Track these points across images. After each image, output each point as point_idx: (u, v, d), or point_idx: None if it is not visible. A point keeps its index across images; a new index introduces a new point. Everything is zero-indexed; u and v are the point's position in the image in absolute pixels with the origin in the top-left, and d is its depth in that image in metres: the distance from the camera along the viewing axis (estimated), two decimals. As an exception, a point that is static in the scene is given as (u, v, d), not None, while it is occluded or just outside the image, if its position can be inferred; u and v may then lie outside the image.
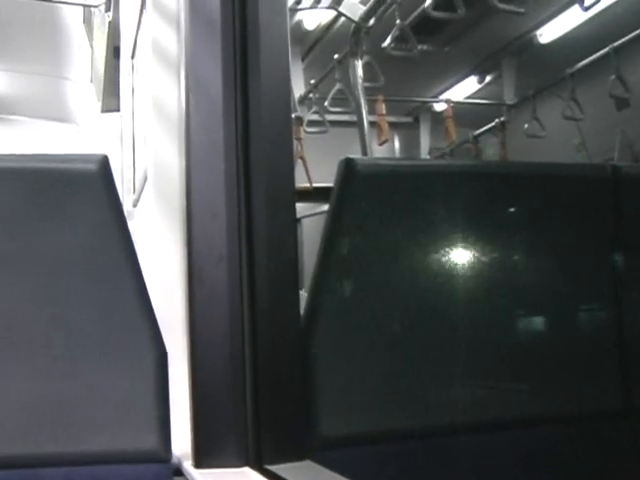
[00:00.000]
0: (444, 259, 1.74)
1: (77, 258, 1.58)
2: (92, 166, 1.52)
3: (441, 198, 1.73)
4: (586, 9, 4.68)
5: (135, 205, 2.77)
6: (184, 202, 1.70)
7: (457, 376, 1.74)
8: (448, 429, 1.72)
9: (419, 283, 1.75)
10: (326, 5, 4.91)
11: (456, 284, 1.76)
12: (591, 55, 6.78)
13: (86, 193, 1.54)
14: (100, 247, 1.57)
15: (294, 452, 1.62)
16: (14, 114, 9.13)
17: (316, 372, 1.67)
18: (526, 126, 7.35)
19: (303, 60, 6.95)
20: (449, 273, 1.75)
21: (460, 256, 1.76)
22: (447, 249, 1.74)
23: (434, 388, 1.73)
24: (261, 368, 1.63)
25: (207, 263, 1.62)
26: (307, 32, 6.62)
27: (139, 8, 2.67)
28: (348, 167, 1.63)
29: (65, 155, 1.57)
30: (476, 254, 1.76)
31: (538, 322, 1.84)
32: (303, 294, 1.74)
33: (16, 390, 1.57)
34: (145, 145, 2.52)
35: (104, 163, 1.52)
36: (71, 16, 5.59)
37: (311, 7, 4.88)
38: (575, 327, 1.86)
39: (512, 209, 1.80)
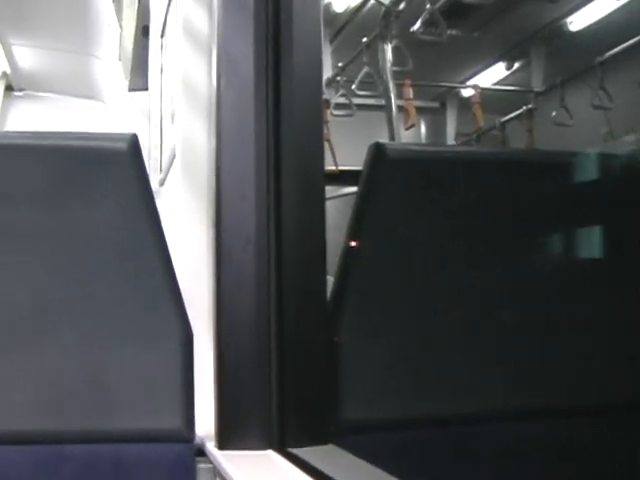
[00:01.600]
0: (473, 245, 1.73)
1: (106, 236, 1.58)
2: (122, 145, 1.52)
3: (470, 184, 1.71)
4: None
5: (162, 184, 2.77)
6: (212, 182, 1.70)
7: (484, 363, 1.73)
8: (473, 416, 1.71)
9: (447, 268, 1.74)
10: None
11: (486, 270, 1.74)
12: (622, 44, 6.71)
13: (115, 171, 1.55)
14: (128, 226, 1.58)
15: (317, 436, 1.62)
16: (42, 90, 9.17)
17: (342, 356, 1.67)
18: (554, 114, 7.29)
19: (331, 43, 6.91)
20: (478, 259, 1.74)
21: (489, 242, 1.74)
22: (476, 235, 1.73)
23: (460, 375, 1.72)
24: (287, 351, 1.63)
25: (235, 245, 1.62)
26: (336, 14, 6.58)
27: (170, -13, 2.66)
28: (377, 152, 1.62)
29: (95, 134, 1.57)
30: (506, 240, 1.74)
31: (576, 309, 1.81)
32: (329, 278, 1.73)
33: (43, 366, 1.58)
34: (173, 124, 2.51)
35: (134, 142, 1.52)
36: (101, -6, 5.60)
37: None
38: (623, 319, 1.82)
39: (542, 197, 1.78)
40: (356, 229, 1.65)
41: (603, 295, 1.79)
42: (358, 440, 1.61)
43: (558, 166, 1.84)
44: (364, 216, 1.66)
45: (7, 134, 1.76)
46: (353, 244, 1.66)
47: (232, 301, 1.63)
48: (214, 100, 1.73)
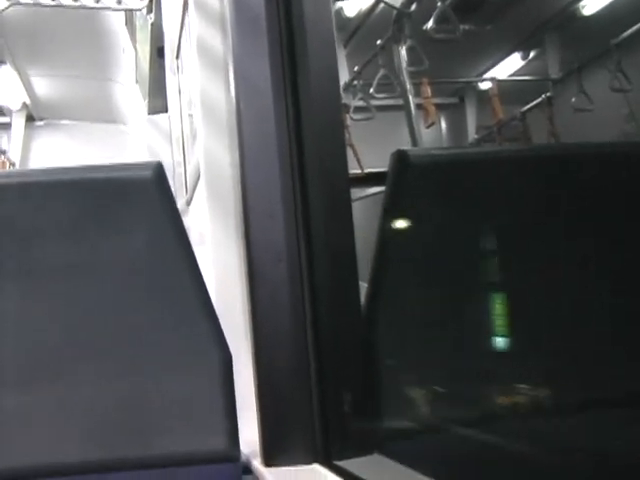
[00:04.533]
0: (502, 244, 1.72)
1: (138, 264, 1.59)
2: (147, 173, 1.53)
3: (495, 185, 1.70)
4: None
5: (189, 204, 2.78)
6: (239, 201, 1.70)
7: (530, 359, 1.71)
8: (518, 415, 1.70)
9: (478, 268, 1.73)
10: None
11: (517, 268, 1.73)
12: (636, 24, 6.66)
13: (142, 200, 1.55)
14: (159, 252, 1.58)
15: (362, 446, 1.62)
16: (63, 118, 9.25)
17: (380, 364, 1.66)
18: (573, 100, 7.25)
19: (345, 47, 6.92)
20: (509, 258, 1.73)
21: (519, 240, 1.73)
22: (505, 234, 1.72)
23: (505, 373, 1.70)
24: (325, 363, 1.62)
25: (267, 262, 1.62)
26: (348, 19, 6.59)
27: (181, 8, 2.68)
28: (400, 159, 1.61)
29: (119, 164, 1.58)
30: (538, 239, 1.73)
31: (622, 305, 1.78)
32: (361, 284, 1.72)
33: (84, 397, 1.59)
34: (195, 144, 2.52)
35: (159, 169, 1.52)
36: (114, 19, 5.64)
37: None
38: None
39: (577, 193, 1.75)
40: (385, 237, 1.65)
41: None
42: (402, 447, 1.61)
43: (586, 159, 1.82)
44: (392, 223, 1.65)
45: (33, 171, 1.77)
46: (383, 252, 1.65)
47: (268, 318, 1.63)
48: (234, 118, 1.73)
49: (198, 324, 1.60)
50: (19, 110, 9.59)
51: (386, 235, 1.64)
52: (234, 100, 1.73)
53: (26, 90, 8.67)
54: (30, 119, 9.85)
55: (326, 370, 1.62)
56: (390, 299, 1.69)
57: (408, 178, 1.63)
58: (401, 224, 1.67)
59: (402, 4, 4.91)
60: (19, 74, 7.94)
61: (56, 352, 1.59)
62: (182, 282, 1.58)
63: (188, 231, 1.67)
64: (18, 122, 9.78)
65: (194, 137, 2.59)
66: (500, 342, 1.73)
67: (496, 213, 1.72)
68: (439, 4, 4.56)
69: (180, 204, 2.91)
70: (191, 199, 2.69)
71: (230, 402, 1.63)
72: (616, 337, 1.74)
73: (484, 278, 1.73)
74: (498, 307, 1.73)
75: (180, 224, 1.56)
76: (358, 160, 6.25)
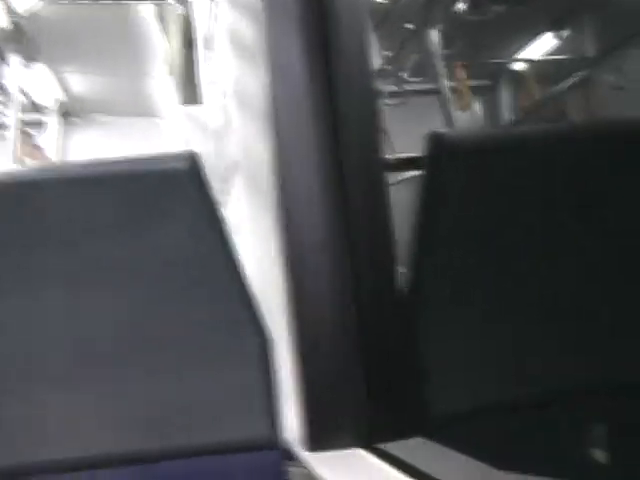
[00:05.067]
0: (543, 230, 1.70)
1: (178, 256, 1.60)
2: (183, 164, 1.53)
3: (534, 168, 1.68)
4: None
5: (226, 194, 2.79)
6: (276, 190, 1.70)
7: (570, 343, 1.70)
8: (564, 396, 1.69)
9: (520, 254, 1.71)
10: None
11: (559, 255, 1.71)
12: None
13: (179, 192, 1.55)
14: (199, 244, 1.59)
15: (406, 430, 1.61)
16: (99, 114, 9.33)
17: (422, 348, 1.66)
18: (610, 79, 7.17)
19: (376, 32, 6.90)
20: (550, 244, 1.71)
21: (561, 226, 1.71)
22: (544, 219, 1.70)
23: (547, 356, 1.69)
24: (368, 347, 1.62)
25: (306, 251, 1.62)
26: (377, 4, 6.57)
27: (211, 0, 2.68)
28: (435, 142, 1.60)
29: (155, 156, 1.58)
30: (581, 224, 1.71)
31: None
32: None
33: (130, 390, 1.61)
34: (231, 134, 2.53)
35: (194, 160, 1.52)
36: (145, 13, 5.66)
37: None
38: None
39: (623, 173, 1.72)
40: (422, 221, 1.64)
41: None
42: (445, 430, 1.60)
43: (627, 136, 1.78)
44: (429, 208, 1.64)
45: (67, 167, 1.78)
46: (421, 237, 1.65)
47: (308, 303, 1.63)
48: (269, 108, 1.74)
49: (239, 313, 1.61)
50: (55, 108, 9.69)
51: (424, 218, 1.64)
52: (268, 88, 1.73)
53: (61, 87, 8.75)
54: (66, 116, 9.95)
55: (369, 353, 1.62)
56: (431, 283, 1.69)
57: (443, 160, 1.62)
58: (439, 208, 1.65)
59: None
60: (54, 72, 8.01)
61: (103, 347, 1.61)
62: (223, 272, 1.59)
63: (225, 220, 1.68)
64: (53, 119, 9.88)
65: (229, 127, 2.60)
66: (542, 324, 1.72)
67: (537, 197, 1.70)
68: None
69: (217, 194, 2.92)
70: (229, 189, 2.69)
71: (271, 388, 1.64)
72: None
73: (527, 264, 1.71)
74: (545, 291, 1.72)
75: (218, 214, 1.57)
76: (391, 145, 6.23)
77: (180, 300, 1.62)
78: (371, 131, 1.74)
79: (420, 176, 1.64)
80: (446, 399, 1.66)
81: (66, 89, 8.87)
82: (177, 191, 1.56)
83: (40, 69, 7.85)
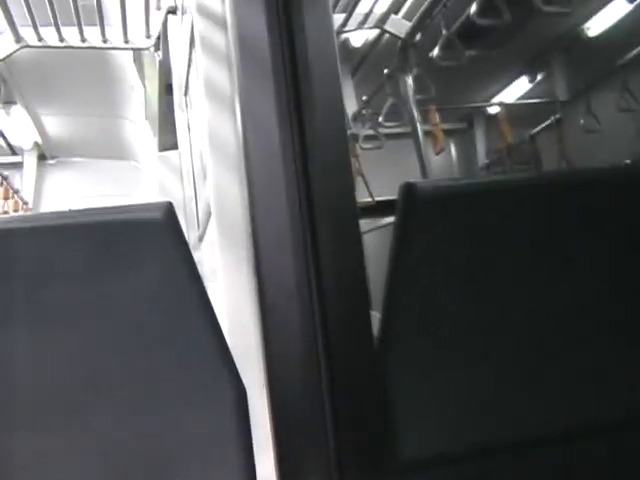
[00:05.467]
0: (515, 275, 1.72)
1: (150, 304, 1.60)
2: (157, 214, 1.54)
3: (505, 215, 1.71)
4: (632, 1, 4.63)
5: (201, 239, 2.80)
6: (249, 237, 1.71)
7: (540, 390, 1.71)
8: (533, 443, 1.70)
9: (491, 299, 1.73)
10: (371, 25, 4.92)
11: (532, 299, 1.73)
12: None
13: (154, 241, 1.56)
14: (172, 292, 1.59)
15: (378, 476, 1.62)
16: (75, 156, 9.32)
17: (394, 394, 1.66)
18: (582, 122, 7.26)
19: (353, 77, 6.97)
20: (522, 289, 1.73)
21: (533, 271, 1.73)
22: (517, 264, 1.72)
23: (515, 403, 1.70)
24: (339, 395, 1.63)
25: (278, 299, 1.63)
26: (354, 49, 6.64)
27: (188, 47, 2.71)
28: (408, 192, 1.62)
29: (130, 206, 1.59)
30: (550, 270, 1.73)
31: (623, 340, 1.78)
32: (374, 314, 1.73)
33: (98, 437, 1.59)
34: (206, 181, 2.54)
35: (169, 210, 1.53)
36: (122, 57, 5.70)
37: (357, 28, 4.90)
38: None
39: (587, 221, 1.75)
40: (395, 269, 1.66)
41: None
42: (417, 476, 1.60)
43: (593, 184, 1.81)
44: (402, 256, 1.66)
45: (43, 215, 1.78)
46: (394, 284, 1.66)
47: (281, 353, 1.63)
48: (242, 154, 1.75)
49: (212, 361, 1.61)
50: (31, 149, 9.67)
51: (396, 266, 1.65)
52: (241, 136, 1.75)
53: (37, 129, 8.74)
54: (42, 158, 9.93)
55: (341, 403, 1.62)
56: (403, 330, 1.69)
57: (417, 210, 1.63)
58: (412, 256, 1.67)
59: (407, 34, 4.94)
60: (30, 114, 8.01)
61: (70, 393, 1.60)
62: (195, 320, 1.59)
63: (200, 266, 1.68)
64: (30, 161, 9.86)
65: (204, 173, 2.61)
66: (513, 373, 1.73)
67: (506, 243, 1.72)
68: (444, 32, 4.59)
69: (192, 239, 2.92)
70: (203, 235, 2.70)
71: (246, 438, 1.63)
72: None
73: (497, 309, 1.73)
74: (517, 335, 1.73)
75: (192, 264, 1.57)
76: (368, 189, 6.27)
77: (151, 348, 1.61)
78: (344, 178, 1.75)
79: (393, 225, 1.66)
80: (416, 444, 1.67)
81: (42, 131, 8.87)
82: (152, 240, 1.56)
83: (16, 111, 7.86)
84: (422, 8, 4.77)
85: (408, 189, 1.60)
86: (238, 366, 1.64)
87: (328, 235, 1.67)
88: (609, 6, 6.73)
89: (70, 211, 1.60)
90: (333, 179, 1.72)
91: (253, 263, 1.70)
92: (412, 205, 1.62)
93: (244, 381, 1.64)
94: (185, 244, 1.55)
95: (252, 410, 1.66)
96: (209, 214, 2.37)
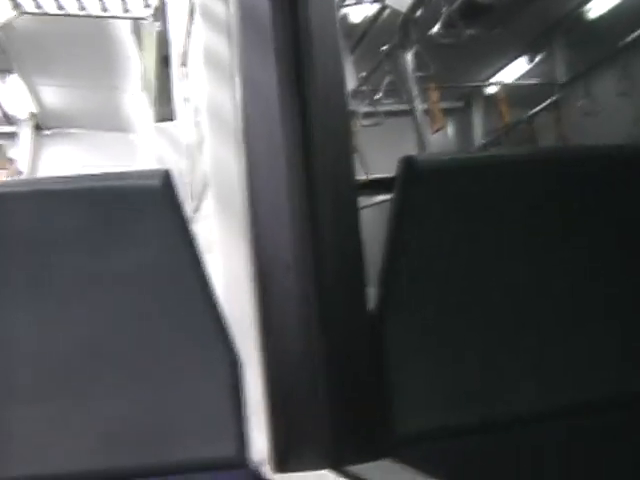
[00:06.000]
0: (514, 251, 1.72)
1: (147, 273, 1.59)
2: (155, 182, 1.53)
3: (506, 190, 1.70)
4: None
5: (196, 211, 2.79)
6: (247, 208, 1.70)
7: (540, 364, 1.71)
8: (531, 417, 1.70)
9: (489, 275, 1.73)
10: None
11: (530, 276, 1.73)
12: (641, 27, 6.66)
13: (151, 209, 1.55)
14: (169, 261, 1.58)
15: (374, 451, 1.61)
16: (71, 127, 9.29)
17: (390, 368, 1.66)
18: (580, 104, 7.26)
19: (352, 53, 6.94)
20: (520, 265, 1.73)
21: (533, 248, 1.72)
22: (516, 241, 1.72)
23: (515, 378, 1.70)
24: (334, 368, 1.62)
25: (275, 271, 1.62)
26: (354, 25, 6.61)
27: (187, 17, 2.69)
28: (407, 165, 1.61)
29: (127, 172, 1.58)
30: (554, 245, 1.72)
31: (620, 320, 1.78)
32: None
33: (94, 407, 1.59)
34: (202, 152, 2.53)
35: (167, 178, 1.52)
36: (120, 28, 5.66)
37: (357, 3, 4.87)
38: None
39: (589, 198, 1.74)
40: (392, 244, 1.65)
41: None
42: (413, 452, 1.60)
43: (597, 161, 1.80)
44: (399, 231, 1.65)
45: (40, 180, 1.77)
46: (390, 260, 1.65)
47: (276, 324, 1.63)
48: (241, 126, 1.74)
49: (208, 331, 1.61)
50: (27, 119, 9.64)
51: (393, 243, 1.65)
52: (241, 108, 1.74)
53: (33, 99, 8.71)
54: (38, 128, 9.90)
55: (335, 373, 1.62)
56: (399, 305, 1.69)
57: (416, 185, 1.63)
58: (410, 231, 1.66)
59: (408, 9, 4.91)
60: (26, 84, 7.98)
61: (67, 363, 1.59)
62: (192, 290, 1.59)
63: (196, 238, 1.67)
64: (26, 131, 9.83)
65: (201, 145, 2.60)
66: (509, 346, 1.73)
67: (505, 218, 1.72)
68: (444, 9, 4.57)
69: (188, 211, 2.91)
70: (199, 206, 2.69)
71: (240, 409, 1.63)
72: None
73: (495, 284, 1.73)
74: (516, 314, 1.73)
75: (189, 233, 1.57)
76: (364, 165, 6.26)
77: (148, 317, 1.61)
78: (343, 152, 1.74)
79: (392, 199, 1.65)
80: (412, 419, 1.67)
81: (39, 101, 8.84)
82: (149, 208, 1.55)
83: (13, 80, 7.82)
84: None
85: (408, 163, 1.59)
86: (234, 336, 1.64)
87: (326, 209, 1.66)
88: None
89: (66, 177, 1.59)
90: (333, 153, 1.71)
91: (250, 235, 1.69)
92: (412, 179, 1.61)
93: (239, 353, 1.64)
94: (183, 213, 1.55)
95: (246, 382, 1.66)
96: (205, 186, 2.36)
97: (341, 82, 1.78)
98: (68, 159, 9.59)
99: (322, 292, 1.62)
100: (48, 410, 1.58)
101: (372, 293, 1.70)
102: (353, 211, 1.70)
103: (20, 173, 9.33)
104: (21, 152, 9.80)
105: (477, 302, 1.73)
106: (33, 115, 9.47)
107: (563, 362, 1.74)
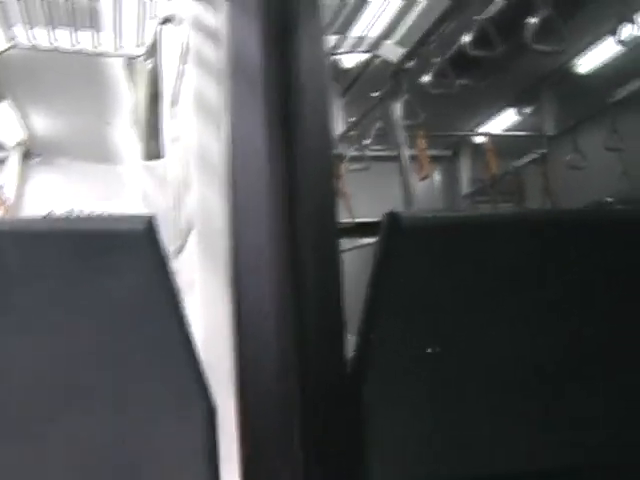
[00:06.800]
0: (494, 308, 1.72)
1: (126, 315, 1.59)
2: (139, 226, 1.53)
3: (488, 249, 1.71)
4: (621, 43, 4.66)
5: (180, 252, 2.79)
6: (229, 253, 1.71)
7: (517, 423, 1.71)
8: (504, 475, 1.70)
9: (469, 330, 1.73)
10: (365, 48, 4.92)
11: (509, 331, 1.73)
12: (634, 82, 6.73)
13: (133, 253, 1.55)
14: (148, 304, 1.58)
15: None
16: (60, 156, 9.28)
17: (367, 421, 1.66)
18: (568, 158, 7.30)
19: (343, 97, 6.98)
20: (500, 321, 1.73)
21: (512, 305, 1.73)
22: (497, 298, 1.72)
23: (492, 435, 1.70)
24: (310, 420, 1.62)
25: (254, 318, 1.62)
26: (345, 70, 6.65)
27: (180, 58, 2.71)
28: (392, 221, 1.62)
29: (111, 216, 1.59)
30: (531, 304, 1.73)
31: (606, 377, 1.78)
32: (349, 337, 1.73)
33: (65, 445, 1.58)
34: (189, 192, 2.54)
35: (151, 223, 1.53)
36: (112, 62, 5.69)
37: (349, 51, 4.91)
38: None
39: (571, 260, 1.75)
40: (373, 297, 1.65)
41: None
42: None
43: (578, 225, 1.81)
44: (380, 284, 1.66)
45: (24, 221, 1.77)
46: (371, 314, 1.66)
47: (254, 372, 1.63)
48: (227, 169, 1.75)
49: (184, 374, 1.60)
50: (16, 146, 9.62)
51: (374, 296, 1.65)
52: (227, 151, 1.75)
53: (24, 127, 8.71)
54: (27, 156, 9.88)
55: (311, 426, 1.62)
56: (378, 357, 1.69)
57: (399, 240, 1.63)
58: (389, 285, 1.66)
59: (399, 60, 4.95)
60: (18, 112, 7.98)
61: (40, 399, 1.58)
62: (170, 333, 1.58)
63: (178, 277, 1.67)
64: (14, 158, 9.81)
65: (188, 184, 2.60)
66: (489, 402, 1.73)
67: (487, 278, 1.73)
68: (436, 60, 4.61)
69: (172, 251, 2.91)
70: (183, 246, 2.69)
71: (213, 454, 1.62)
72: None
73: (477, 342, 1.73)
74: (491, 371, 1.73)
75: (171, 278, 1.56)
76: (349, 209, 6.27)
77: (126, 358, 1.60)
78: (328, 199, 1.76)
79: (374, 247, 1.65)
80: (390, 474, 1.66)
81: (29, 129, 8.84)
82: (132, 252, 1.55)
83: (4, 107, 7.82)
84: (417, 37, 4.78)
85: (392, 218, 1.60)
86: (210, 381, 1.63)
87: (307, 254, 1.66)
88: (600, 45, 6.79)
89: (52, 218, 1.59)
90: (316, 200, 1.72)
91: (231, 280, 1.69)
92: (395, 234, 1.62)
93: (215, 396, 1.63)
94: (165, 258, 1.55)
95: (221, 426, 1.65)
96: (190, 226, 2.36)
97: (327, 129, 1.79)
98: (55, 187, 9.57)
99: (300, 343, 1.62)
100: (19, 446, 1.57)
101: (352, 341, 1.70)
102: (334, 259, 1.71)
103: (7, 199, 9.30)
104: (9, 178, 9.78)
105: (456, 356, 1.73)
106: (22, 142, 9.46)
107: (542, 421, 1.74)
